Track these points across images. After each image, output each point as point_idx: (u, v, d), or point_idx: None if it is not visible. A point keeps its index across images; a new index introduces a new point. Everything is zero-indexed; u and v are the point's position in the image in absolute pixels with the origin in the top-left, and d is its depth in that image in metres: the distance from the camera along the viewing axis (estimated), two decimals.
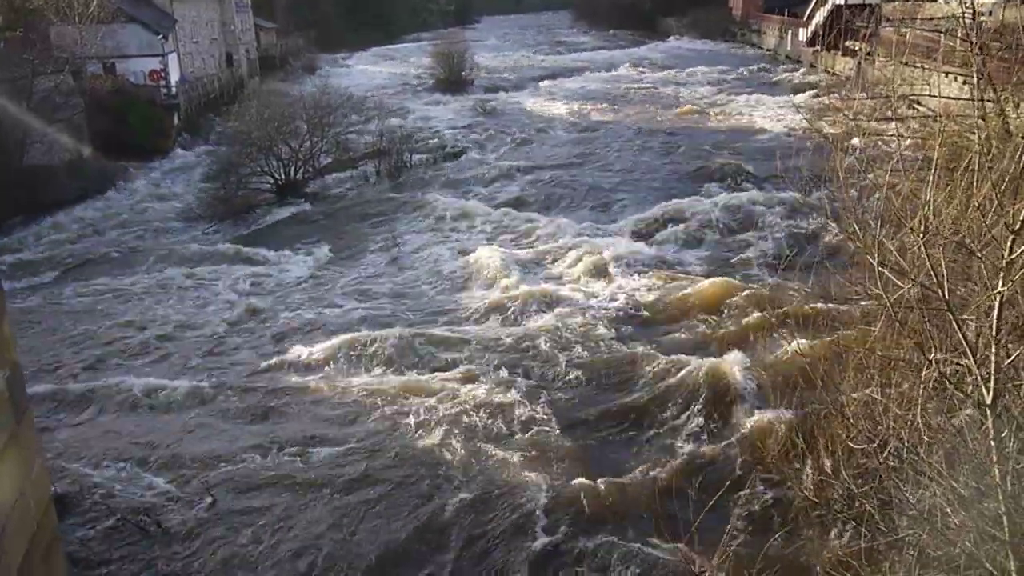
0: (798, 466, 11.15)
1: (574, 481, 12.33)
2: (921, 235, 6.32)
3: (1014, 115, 12.48)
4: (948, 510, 6.87)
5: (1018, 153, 6.49)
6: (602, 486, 12.14)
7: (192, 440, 14.38)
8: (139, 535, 11.80)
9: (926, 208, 6.35)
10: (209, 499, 12.54)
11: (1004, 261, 6.01)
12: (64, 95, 34.85)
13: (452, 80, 59.09)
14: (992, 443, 6.48)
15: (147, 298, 21.77)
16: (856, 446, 8.26)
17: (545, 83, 60.06)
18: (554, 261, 22.36)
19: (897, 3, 39.24)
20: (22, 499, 3.85)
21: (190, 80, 48.11)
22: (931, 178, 6.49)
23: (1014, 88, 12.74)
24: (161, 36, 43.84)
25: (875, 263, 6.79)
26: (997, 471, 6.39)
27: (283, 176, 32.80)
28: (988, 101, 12.88)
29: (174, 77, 44.97)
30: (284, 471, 13.17)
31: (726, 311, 18.00)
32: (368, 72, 72.92)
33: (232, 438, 14.32)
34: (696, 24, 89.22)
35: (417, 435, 13.86)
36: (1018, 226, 5.99)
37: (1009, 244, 5.98)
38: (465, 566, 10.95)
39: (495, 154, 37.89)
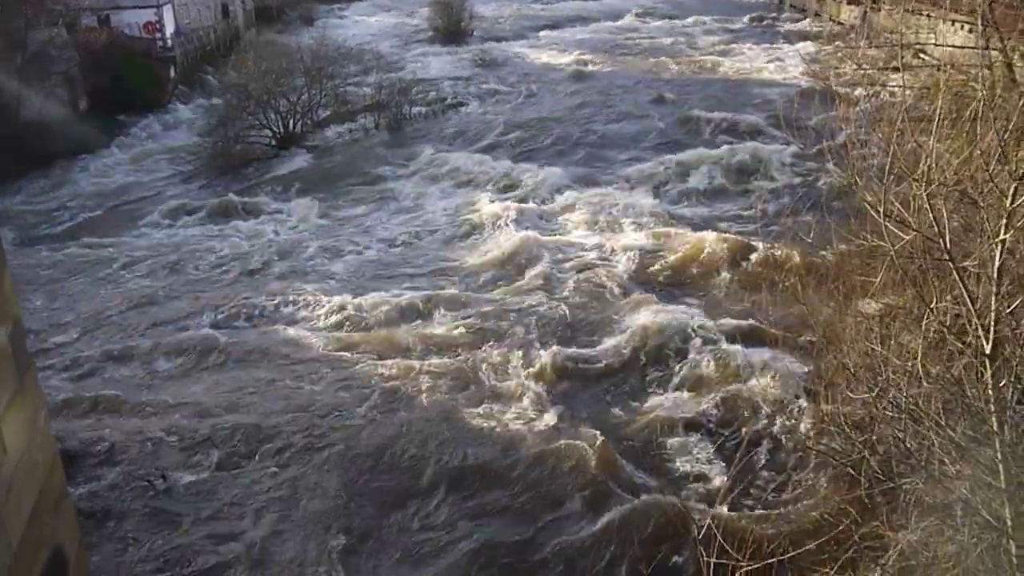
0: (798, 415, 11.25)
1: (572, 430, 12.45)
2: (924, 185, 6.28)
3: (1020, 64, 12.32)
4: (945, 459, 6.93)
5: (1020, 101, 6.41)
6: (600, 436, 12.26)
7: (195, 395, 14.48)
8: (146, 489, 11.96)
9: (929, 158, 6.29)
10: (213, 452, 12.68)
11: (1007, 209, 5.98)
12: (58, 48, 34.36)
13: (451, 30, 58.15)
14: (990, 392, 6.51)
15: (146, 253, 21.73)
16: (855, 395, 8.30)
17: (545, 33, 59.18)
18: (554, 213, 22.28)
19: None
20: (29, 453, 3.89)
21: (186, 32, 47.39)
22: (935, 128, 6.42)
23: (1020, 36, 12.55)
24: None
25: (877, 213, 6.75)
26: (995, 420, 6.44)
27: (281, 129, 32.53)
28: (994, 50, 12.70)
29: (169, 29, 44.31)
30: (286, 424, 13.28)
31: (727, 261, 17.99)
32: (366, 23, 71.80)
33: (235, 392, 14.41)
34: None
35: (417, 387, 13.95)
36: (1022, 174, 5.95)
37: (1012, 192, 5.94)
38: (463, 514, 11.11)
39: (494, 106, 37.50)
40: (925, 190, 6.22)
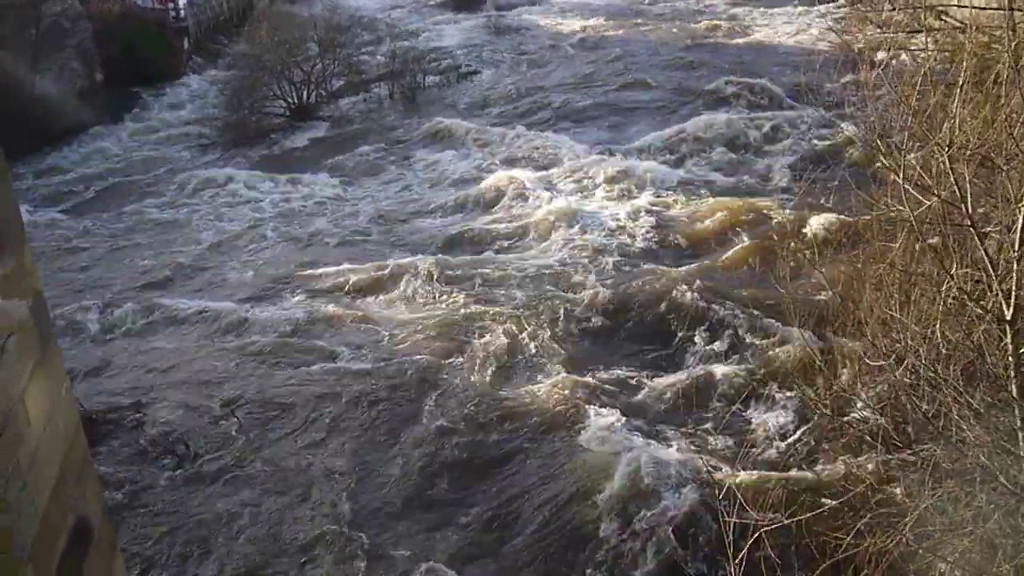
0: (816, 382, 11.22)
1: (592, 396, 12.52)
2: (946, 150, 6.21)
3: None
4: (963, 425, 6.92)
5: None
6: (622, 398, 12.32)
7: (218, 363, 14.64)
8: (169, 457, 12.14)
9: (951, 122, 6.21)
10: (235, 421, 12.84)
11: None
12: (72, 20, 34.29)
13: None
14: (1010, 358, 6.49)
15: (168, 225, 21.88)
16: (874, 362, 8.29)
17: None
18: (573, 181, 22.17)
19: None
20: (51, 424, 3.94)
21: (199, 2, 47.15)
22: (958, 92, 6.33)
23: None
24: None
25: (899, 178, 6.69)
26: (1014, 386, 6.41)
27: (296, 100, 32.45)
28: (1018, 10, 12.44)
29: None
30: (309, 394, 13.43)
31: (747, 228, 17.89)
32: None
33: (257, 362, 14.56)
34: None
35: (439, 359, 14.03)
36: None
37: None
38: (483, 481, 11.23)
39: (508, 74, 37.20)
40: (947, 154, 6.14)
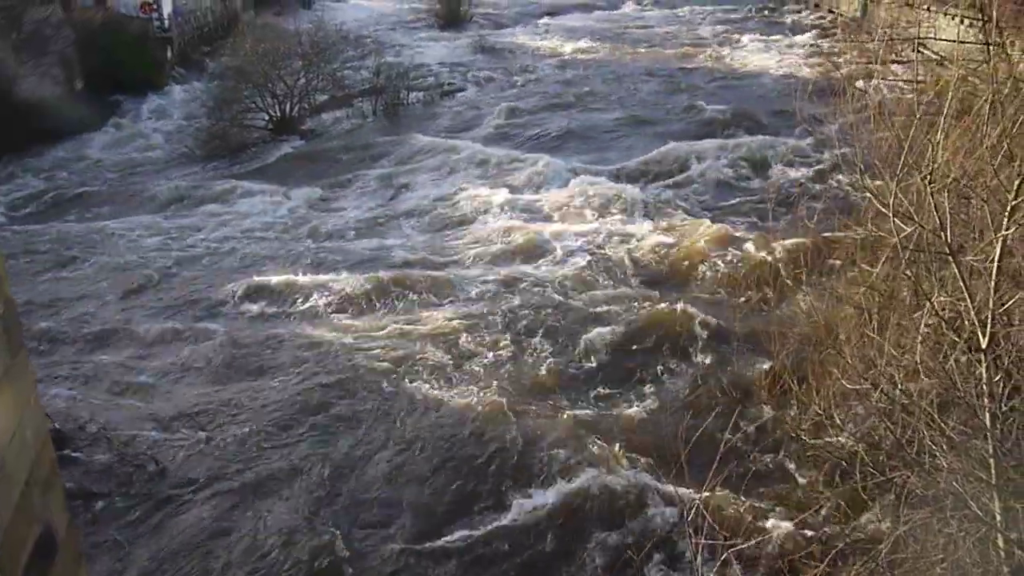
0: (792, 406, 11.26)
1: (562, 417, 12.47)
2: (925, 178, 6.27)
3: (1020, 59, 12.29)
4: (937, 452, 6.95)
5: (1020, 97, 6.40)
6: (590, 423, 12.28)
7: (187, 378, 14.48)
8: (137, 472, 11.94)
9: (931, 151, 6.29)
10: (203, 435, 12.67)
11: (1010, 205, 5.98)
12: (54, 28, 34.07)
13: (450, 16, 57.90)
14: (984, 387, 6.54)
15: (141, 235, 21.65)
16: (850, 387, 8.33)
17: (545, 20, 58.92)
18: (551, 202, 22.22)
19: None
20: (19, 434, 3.86)
21: (183, 13, 47.00)
22: (940, 123, 6.41)
23: (1020, 32, 12.54)
24: None
25: (881, 206, 6.75)
26: (987, 415, 6.46)
27: (278, 113, 32.38)
28: (995, 45, 12.68)
29: (167, 9, 43.92)
30: (278, 407, 13.29)
31: (727, 253, 17.98)
32: (364, 7, 71.40)
33: (226, 376, 14.40)
34: None
35: (406, 374, 13.95)
36: None
37: (1016, 187, 5.93)
38: (448, 504, 11.11)
39: (493, 93, 37.38)
40: (929, 184, 6.21)
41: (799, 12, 56.67)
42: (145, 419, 13.15)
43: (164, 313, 16.93)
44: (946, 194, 6.27)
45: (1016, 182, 5.84)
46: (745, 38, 46.86)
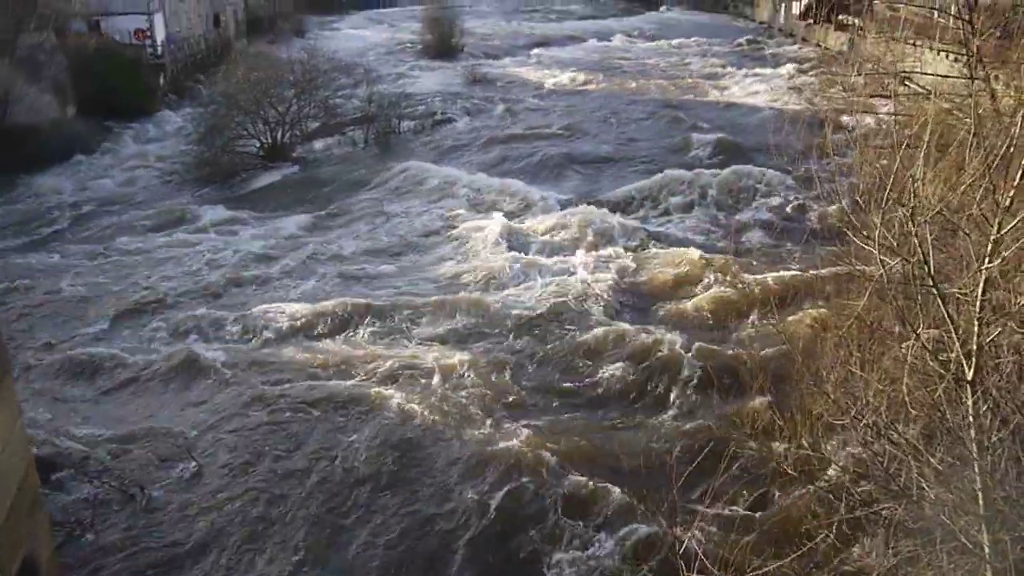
0: (778, 440, 11.25)
1: (550, 455, 12.38)
2: (909, 211, 6.34)
3: (1003, 93, 12.48)
4: (924, 484, 6.96)
5: (1014, 130, 6.49)
6: (578, 460, 12.21)
7: (176, 406, 14.37)
8: (123, 500, 11.81)
9: (914, 185, 6.36)
10: (193, 465, 12.56)
11: (991, 238, 6.04)
12: (47, 53, 34.20)
13: (442, 46, 58.40)
14: (971, 419, 6.56)
15: (130, 262, 21.58)
16: (836, 420, 8.34)
17: (536, 51, 59.53)
18: (540, 231, 22.31)
19: None
20: (4, 458, 3.84)
21: (176, 40, 47.29)
22: (920, 155, 6.49)
23: (1003, 67, 12.74)
24: None
25: (862, 238, 6.81)
26: (974, 447, 6.47)
27: (269, 140, 32.48)
28: (979, 79, 12.87)
29: (160, 36, 44.21)
30: (266, 437, 13.20)
31: (710, 284, 18.04)
32: (357, 36, 72.02)
33: (215, 405, 14.30)
34: None
35: (393, 404, 13.85)
36: (1008, 203, 6.02)
37: (997, 222, 6.00)
38: (433, 541, 11.00)
39: (484, 122, 37.63)
40: (911, 216, 6.28)
41: (787, 45, 57.40)
42: (132, 446, 13.03)
43: (150, 340, 16.84)
44: (928, 227, 6.34)
45: (998, 215, 5.91)
46: (732, 70, 47.44)
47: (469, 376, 14.70)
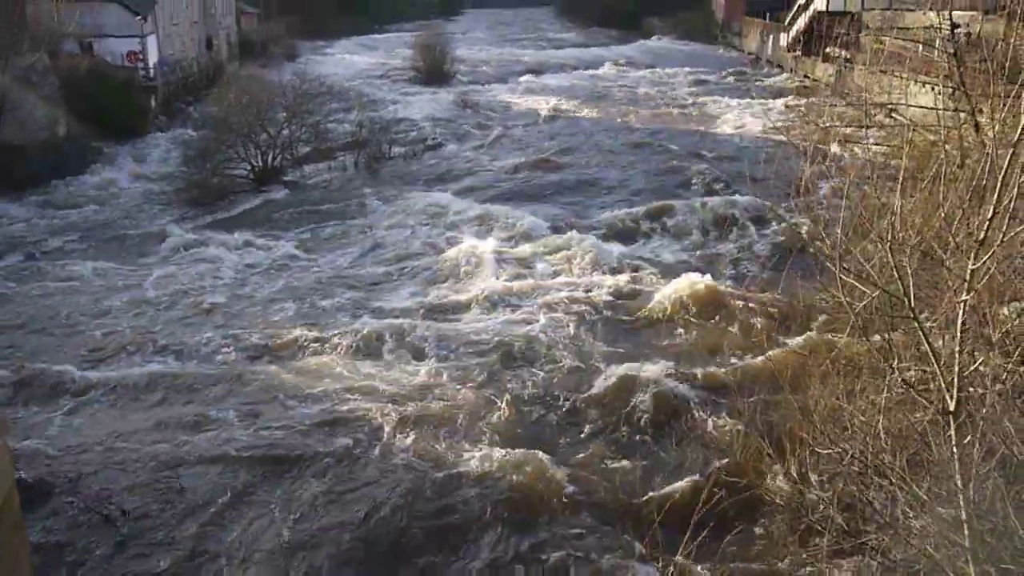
0: (766, 471, 11.24)
1: (535, 483, 12.33)
2: (888, 243, 6.40)
3: (987, 126, 12.63)
4: (910, 515, 6.96)
5: (985, 163, 6.58)
6: (564, 490, 12.16)
7: (158, 429, 14.25)
8: (104, 523, 11.68)
9: (893, 216, 6.42)
10: (176, 487, 12.45)
11: (968, 270, 6.10)
12: (39, 74, 34.28)
13: (433, 72, 58.80)
14: (955, 450, 6.58)
15: (116, 284, 21.50)
16: (823, 451, 8.35)
17: (527, 78, 59.96)
18: (528, 257, 22.36)
19: (877, 12, 39.55)
20: None
21: (169, 63, 47.48)
22: (899, 186, 6.56)
23: (987, 99, 12.89)
24: (140, 16, 43.23)
25: (843, 270, 6.86)
26: (959, 477, 6.49)
27: (260, 163, 32.50)
28: (962, 112, 13.03)
29: (152, 59, 44.38)
30: (251, 457, 13.12)
31: (695, 315, 18.09)
32: (349, 61, 72.43)
33: (198, 427, 14.19)
34: (679, 24, 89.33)
35: (379, 431, 13.80)
36: (983, 235, 6.08)
37: (974, 253, 6.07)
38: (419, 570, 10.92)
39: (474, 148, 37.83)
40: (889, 247, 6.33)
41: (774, 76, 58.01)
42: (115, 469, 12.91)
43: (135, 362, 16.73)
44: (907, 257, 6.39)
45: (974, 247, 5.98)
46: (720, 99, 47.90)
47: (450, 401, 14.66)
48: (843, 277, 6.60)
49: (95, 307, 19.69)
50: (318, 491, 12.31)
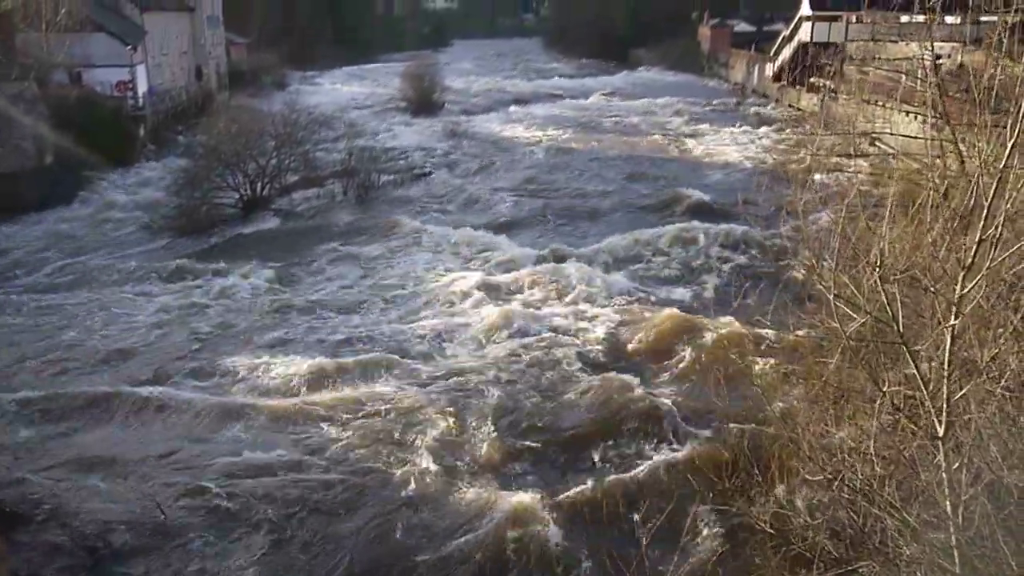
0: (754, 497, 11.19)
1: (520, 508, 12.25)
2: (876, 270, 6.43)
3: (969, 154, 12.77)
4: (900, 541, 6.93)
5: (969, 191, 6.65)
6: (549, 515, 12.08)
7: (143, 456, 14.10)
8: (85, 553, 11.51)
9: (881, 243, 6.46)
10: (160, 516, 12.29)
11: (956, 296, 6.14)
12: (28, 103, 34.27)
13: (423, 102, 59.09)
14: (944, 475, 6.57)
15: (102, 312, 21.33)
16: (811, 477, 8.32)
17: (515, 108, 60.35)
18: (516, 286, 22.37)
19: (861, 43, 40.18)
20: None
21: (158, 92, 47.62)
22: (887, 215, 6.61)
23: (969, 128, 13.04)
24: (129, 47, 43.39)
25: (831, 296, 6.88)
26: (948, 503, 6.47)
27: (249, 192, 32.48)
28: (945, 140, 13.18)
29: (142, 88, 44.50)
30: (236, 488, 12.97)
31: (683, 341, 18.11)
32: (339, 91, 72.79)
33: (183, 454, 14.07)
34: (666, 56, 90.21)
35: (368, 458, 13.72)
36: (969, 262, 6.13)
37: (961, 279, 6.11)
38: None
39: (463, 177, 37.97)
40: (877, 274, 6.37)
41: (760, 106, 58.62)
42: (99, 500, 12.74)
43: (119, 391, 16.55)
44: (895, 284, 6.43)
45: (961, 273, 6.02)
46: (706, 129, 48.34)
47: (438, 429, 14.58)
48: (834, 303, 6.63)
49: (75, 337, 19.53)
50: (303, 524, 12.19)
